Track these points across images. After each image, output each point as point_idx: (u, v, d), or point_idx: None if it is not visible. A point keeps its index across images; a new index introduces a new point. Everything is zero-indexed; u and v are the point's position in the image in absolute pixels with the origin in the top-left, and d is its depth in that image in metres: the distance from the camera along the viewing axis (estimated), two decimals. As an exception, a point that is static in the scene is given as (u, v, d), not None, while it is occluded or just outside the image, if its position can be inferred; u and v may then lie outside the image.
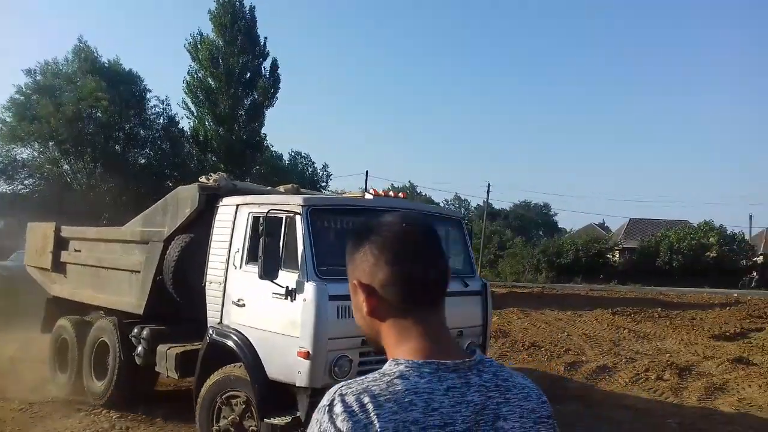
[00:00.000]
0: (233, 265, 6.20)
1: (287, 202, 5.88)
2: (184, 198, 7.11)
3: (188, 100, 32.23)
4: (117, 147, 32.32)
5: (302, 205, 5.71)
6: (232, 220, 6.39)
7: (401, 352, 1.18)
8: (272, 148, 39.21)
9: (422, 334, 1.20)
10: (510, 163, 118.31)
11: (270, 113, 34.33)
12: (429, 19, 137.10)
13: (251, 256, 6.02)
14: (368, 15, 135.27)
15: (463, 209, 75.17)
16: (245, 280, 6.04)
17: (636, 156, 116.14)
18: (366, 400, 1.08)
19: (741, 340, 15.31)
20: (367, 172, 47.51)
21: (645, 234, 55.56)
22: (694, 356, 12.81)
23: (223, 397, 6.04)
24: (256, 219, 6.04)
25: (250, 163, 32.79)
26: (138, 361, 7.32)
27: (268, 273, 5.45)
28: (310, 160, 48.27)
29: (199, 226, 6.91)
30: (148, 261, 7.37)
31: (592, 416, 8.33)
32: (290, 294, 5.48)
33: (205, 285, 6.52)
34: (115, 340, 7.80)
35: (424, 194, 63.03)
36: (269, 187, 8.06)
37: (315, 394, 5.40)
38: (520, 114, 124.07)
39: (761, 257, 54.71)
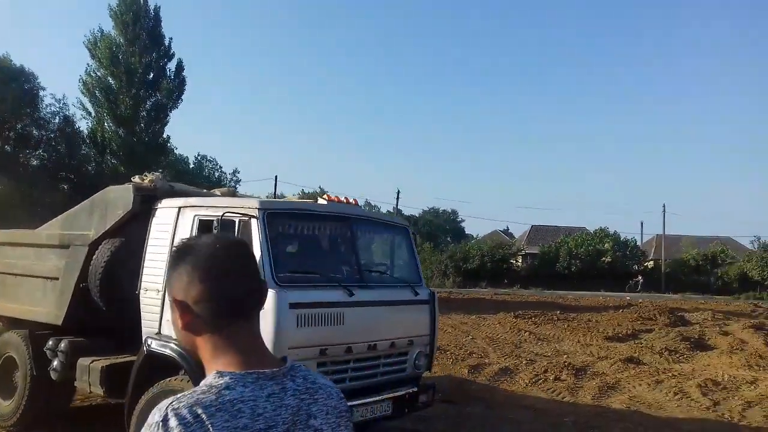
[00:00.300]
0: None
1: (242, 205, 5.61)
2: (116, 199, 6.64)
3: (85, 100, 30.85)
4: (7, 147, 30.43)
5: (258, 209, 5.46)
6: (174, 223, 6.03)
7: (220, 365, 1.28)
8: (176, 151, 38.12)
9: (236, 348, 1.30)
10: (419, 170, 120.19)
11: (178, 116, 33.35)
12: (333, 20, 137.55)
13: None
14: (275, 16, 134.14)
15: (372, 215, 75.55)
16: None
17: (538, 163, 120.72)
18: (199, 411, 1.17)
19: (632, 341, 16.19)
20: (276, 177, 47.13)
21: (546, 240, 57.86)
22: (589, 357, 13.44)
23: None
24: (204, 222, 5.76)
25: (153, 166, 31.62)
26: (54, 376, 6.61)
27: None
28: (217, 164, 47.30)
29: (130, 229, 6.46)
30: (69, 267, 6.81)
31: (494, 417, 8.55)
32: None
33: (139, 293, 6.10)
34: (25, 355, 7.05)
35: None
36: (205, 190, 7.71)
37: None
38: (428, 120, 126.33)
39: (651, 262, 58.15)
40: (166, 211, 6.23)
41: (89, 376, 6.22)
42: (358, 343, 5.75)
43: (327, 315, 5.48)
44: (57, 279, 6.97)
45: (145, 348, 5.83)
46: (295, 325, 5.20)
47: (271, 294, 5.10)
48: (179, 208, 6.10)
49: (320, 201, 6.42)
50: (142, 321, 6.02)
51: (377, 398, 5.94)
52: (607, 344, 15.46)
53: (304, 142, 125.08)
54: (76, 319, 6.74)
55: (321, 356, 5.41)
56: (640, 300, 31.17)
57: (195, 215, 5.89)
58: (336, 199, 6.54)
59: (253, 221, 5.41)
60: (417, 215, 78.55)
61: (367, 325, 5.92)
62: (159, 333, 5.82)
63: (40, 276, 7.31)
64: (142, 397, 5.63)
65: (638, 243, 58.05)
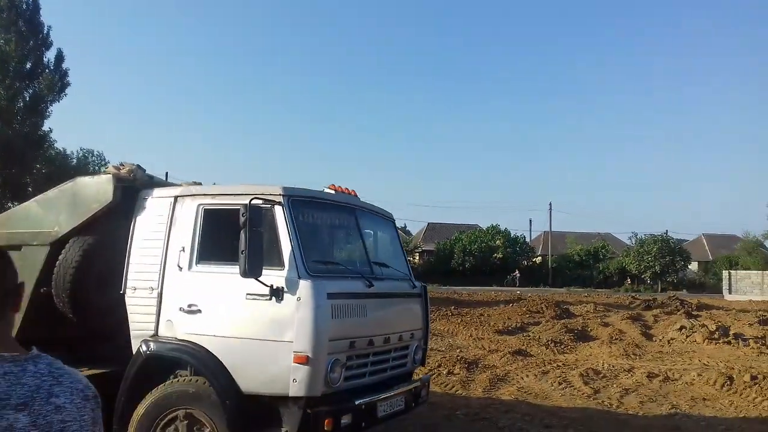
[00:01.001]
0: (177, 266, 5.43)
1: (262, 192, 5.28)
2: (90, 191, 5.96)
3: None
4: None
5: (283, 195, 5.25)
6: (169, 215, 5.61)
7: None
8: (56, 146, 35.79)
9: None
10: (312, 166, 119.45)
11: (63, 110, 31.19)
12: (214, 8, 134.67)
13: (207, 254, 5.43)
14: (161, 10, 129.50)
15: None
16: (198, 281, 5.36)
17: (436, 161, 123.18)
18: None
19: (521, 334, 16.87)
20: (167, 173, 45.51)
21: (442, 237, 59.22)
22: (480, 350, 13.83)
23: (167, 418, 5.22)
24: (209, 212, 5.49)
25: (31, 161, 29.61)
26: None
27: (254, 270, 4.83)
28: (103, 159, 45.03)
29: (98, 225, 5.85)
30: (22, 271, 6.04)
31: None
32: (276, 294, 4.94)
33: (124, 293, 5.61)
34: None
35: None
36: (175, 182, 7.17)
37: (309, 404, 4.98)
38: (322, 115, 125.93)
39: (539, 258, 60.85)
40: (157, 201, 5.77)
41: None
42: (378, 336, 5.63)
43: (354, 306, 5.36)
44: None
45: (142, 351, 5.39)
46: (331, 317, 5.04)
47: (305, 284, 4.96)
48: (175, 197, 5.68)
49: (326, 190, 6.19)
50: (131, 323, 5.56)
51: (395, 393, 5.81)
52: (497, 337, 16.00)
53: (198, 139, 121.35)
54: (30, 331, 6.00)
55: (350, 349, 5.24)
56: (530, 294, 32.52)
57: (199, 205, 5.54)
58: (340, 189, 6.30)
59: (278, 208, 5.20)
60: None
61: (384, 317, 5.84)
62: (156, 335, 5.43)
63: None
64: (145, 400, 5.26)
65: (527, 240, 60.58)
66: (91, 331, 6.13)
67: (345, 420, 5.09)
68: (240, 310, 5.13)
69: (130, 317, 5.58)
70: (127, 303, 5.61)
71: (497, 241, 54.53)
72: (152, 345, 5.40)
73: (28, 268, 5.85)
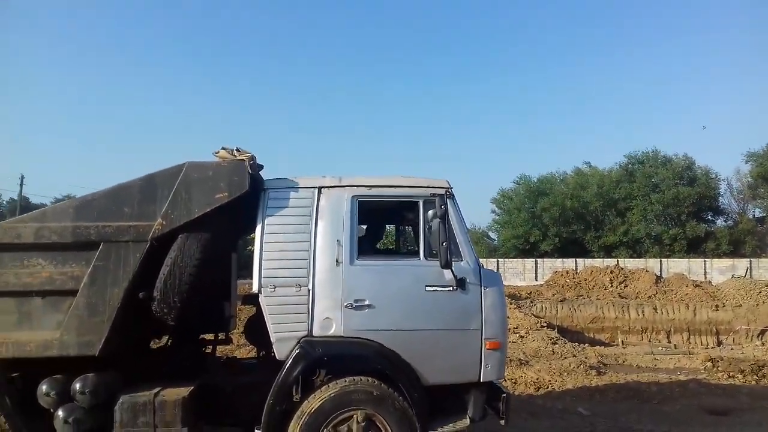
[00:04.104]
0: (335, 260, 5.24)
1: (429, 184, 5.48)
2: (214, 177, 5.30)
3: None
4: None
5: (449, 188, 5.45)
6: (313, 206, 5.40)
7: None
8: None
9: None
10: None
11: None
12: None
13: (369, 247, 5.61)
14: None
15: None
16: (364, 276, 5.24)
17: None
18: None
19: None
20: (22, 176, 38.71)
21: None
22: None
23: (337, 420, 5.07)
24: (365, 204, 5.45)
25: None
26: (68, 430, 5.04)
27: (450, 262, 5.03)
28: None
29: (209, 217, 5.29)
30: (106, 272, 5.16)
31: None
32: (461, 284, 5.15)
33: (260, 292, 5.25)
34: None
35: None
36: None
37: (491, 388, 5.36)
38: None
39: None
40: (294, 192, 5.49)
41: (154, 416, 5.01)
42: None
43: None
44: (71, 293, 5.17)
45: (306, 352, 5.15)
46: None
47: (488, 274, 5.37)
48: (319, 188, 5.48)
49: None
50: (271, 325, 5.26)
51: None
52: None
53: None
54: (117, 343, 5.22)
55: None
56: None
57: (353, 196, 5.44)
58: None
59: (448, 200, 5.32)
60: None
61: None
62: (310, 335, 5.22)
63: (23, 292, 5.19)
64: (310, 404, 5.07)
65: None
66: (178, 336, 6.08)
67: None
68: (420, 303, 5.18)
69: (270, 318, 5.26)
70: (264, 303, 5.29)
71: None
72: (320, 345, 5.18)
73: (113, 268, 5.19)
